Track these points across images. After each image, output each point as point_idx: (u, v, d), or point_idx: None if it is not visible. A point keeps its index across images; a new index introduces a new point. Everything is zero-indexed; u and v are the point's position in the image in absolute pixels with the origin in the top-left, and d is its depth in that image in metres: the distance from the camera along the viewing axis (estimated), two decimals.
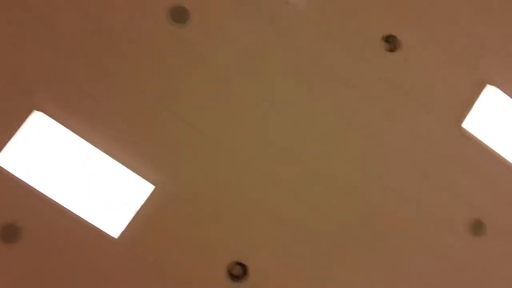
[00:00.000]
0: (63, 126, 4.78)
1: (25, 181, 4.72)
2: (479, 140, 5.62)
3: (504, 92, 5.69)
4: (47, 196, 4.74)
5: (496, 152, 5.65)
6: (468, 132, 5.60)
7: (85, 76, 4.85)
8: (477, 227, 5.59)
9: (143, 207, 4.90)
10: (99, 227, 4.82)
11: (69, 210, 4.78)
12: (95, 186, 4.85)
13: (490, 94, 5.64)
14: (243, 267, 5.13)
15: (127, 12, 4.95)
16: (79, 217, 4.79)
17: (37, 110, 4.73)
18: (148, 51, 4.97)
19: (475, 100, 5.62)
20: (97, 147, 4.83)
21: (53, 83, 4.80)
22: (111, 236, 4.84)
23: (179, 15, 5.04)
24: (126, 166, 4.89)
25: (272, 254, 5.16)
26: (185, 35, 5.05)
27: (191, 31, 5.07)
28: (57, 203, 4.76)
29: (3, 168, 4.67)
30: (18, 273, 4.70)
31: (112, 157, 4.86)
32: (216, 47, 5.11)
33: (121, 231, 4.86)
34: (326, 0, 5.34)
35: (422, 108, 5.52)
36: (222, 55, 5.12)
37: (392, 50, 5.50)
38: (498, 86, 5.67)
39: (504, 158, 5.67)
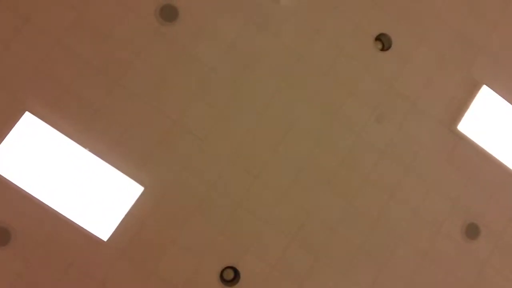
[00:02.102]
0: (52, 128, 4.79)
1: (14, 183, 4.72)
2: (474, 141, 5.57)
3: (498, 94, 5.65)
4: (36, 199, 4.74)
5: (490, 154, 5.60)
6: (462, 133, 5.55)
7: (73, 76, 4.86)
8: (472, 230, 5.55)
9: (132, 208, 4.89)
10: (88, 230, 4.81)
11: (59, 212, 4.77)
12: (84, 188, 4.84)
13: (485, 95, 5.59)
14: (235, 271, 5.12)
15: (118, 12, 4.97)
16: (68, 219, 4.78)
17: (28, 111, 4.75)
18: (136, 49, 4.98)
19: (469, 101, 5.58)
20: (86, 148, 4.83)
21: (42, 85, 4.81)
22: (100, 239, 4.83)
23: (168, 14, 5.05)
24: (115, 167, 4.88)
25: (263, 257, 5.13)
26: (173, 33, 5.07)
27: (179, 29, 5.08)
28: (46, 205, 4.75)
29: None
30: (8, 276, 4.70)
31: (101, 158, 4.85)
32: (203, 45, 5.11)
33: (111, 234, 4.85)
34: None
35: (414, 108, 5.49)
36: (209, 53, 5.13)
37: (384, 49, 5.50)
38: (492, 87, 5.62)
39: (499, 161, 5.62)
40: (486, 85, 5.61)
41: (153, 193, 4.95)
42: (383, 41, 5.51)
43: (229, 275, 5.12)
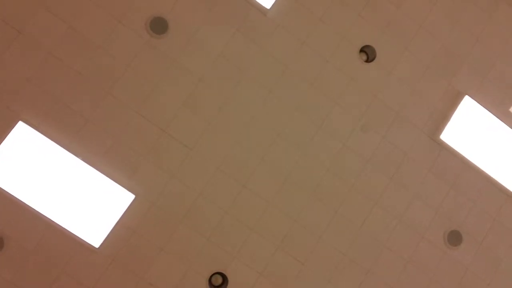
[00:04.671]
0: (45, 137, 4.85)
1: (7, 191, 4.78)
2: (456, 150, 5.66)
3: (480, 104, 5.74)
4: (29, 206, 4.81)
5: (472, 163, 5.69)
6: (445, 142, 5.64)
7: (64, 87, 4.93)
8: (454, 237, 5.62)
9: (123, 216, 4.96)
10: (80, 237, 4.88)
11: (51, 220, 4.84)
12: (76, 196, 4.91)
13: (467, 105, 5.69)
14: (223, 277, 5.20)
15: (109, 24, 5.05)
16: (60, 226, 4.85)
17: (21, 121, 4.82)
18: (126, 61, 5.05)
19: (451, 111, 5.67)
20: (78, 157, 4.90)
21: (35, 95, 4.87)
22: (92, 246, 4.90)
23: (158, 26, 5.12)
24: (107, 176, 4.95)
25: (250, 263, 5.21)
26: (163, 45, 5.14)
27: (169, 41, 5.15)
28: (38, 212, 4.82)
29: None
30: (0, 282, 4.76)
31: (92, 167, 4.93)
32: (192, 57, 5.19)
33: (102, 241, 4.92)
34: (304, 10, 5.43)
35: (398, 118, 5.58)
36: (198, 64, 5.21)
37: (368, 60, 5.57)
38: (474, 98, 5.73)
39: (481, 169, 5.71)
40: (468, 95, 5.72)
41: (144, 201, 5.03)
42: (368, 53, 5.59)
43: (217, 280, 5.20)
